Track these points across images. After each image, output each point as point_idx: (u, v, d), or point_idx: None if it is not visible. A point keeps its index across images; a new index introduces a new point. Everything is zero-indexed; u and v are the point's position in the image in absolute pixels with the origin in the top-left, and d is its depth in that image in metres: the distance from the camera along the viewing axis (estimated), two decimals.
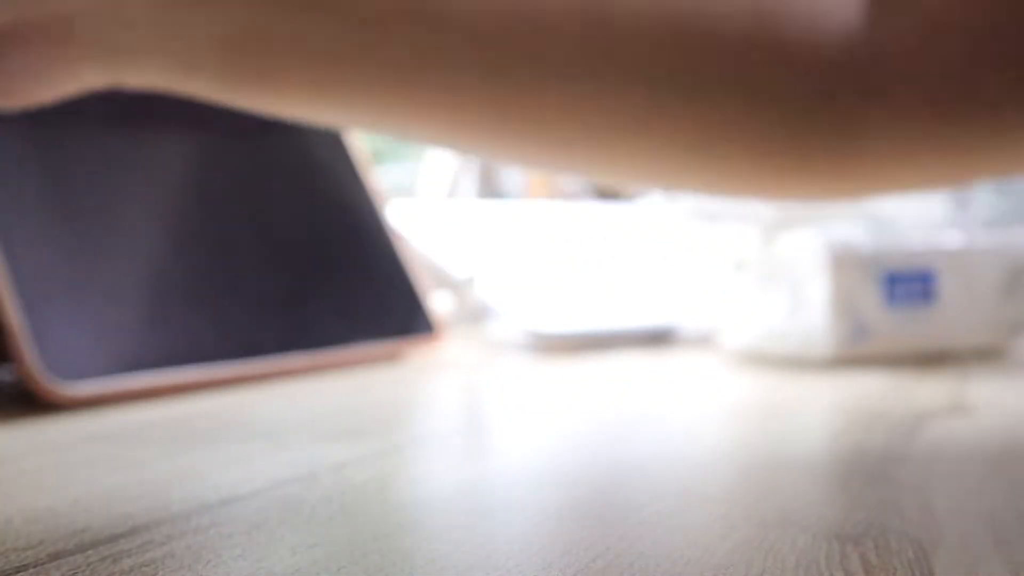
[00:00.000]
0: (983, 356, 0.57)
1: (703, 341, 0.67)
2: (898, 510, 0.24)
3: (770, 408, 0.40)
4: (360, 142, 0.65)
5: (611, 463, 0.30)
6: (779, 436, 0.34)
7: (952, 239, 0.57)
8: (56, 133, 0.46)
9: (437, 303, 0.70)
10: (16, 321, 0.39)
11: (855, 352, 0.54)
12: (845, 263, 0.53)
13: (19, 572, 0.20)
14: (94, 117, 0.48)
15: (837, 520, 0.24)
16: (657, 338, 0.68)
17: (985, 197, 0.68)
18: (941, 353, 0.56)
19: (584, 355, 0.60)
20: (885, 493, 0.26)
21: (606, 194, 1.38)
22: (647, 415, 0.39)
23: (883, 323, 0.54)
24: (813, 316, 0.54)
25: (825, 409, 0.40)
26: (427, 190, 1.25)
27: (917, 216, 0.58)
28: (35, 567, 0.20)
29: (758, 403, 0.42)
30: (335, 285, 0.56)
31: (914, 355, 0.55)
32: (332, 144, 0.63)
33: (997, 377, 0.48)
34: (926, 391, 0.44)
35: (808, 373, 0.51)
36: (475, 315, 0.80)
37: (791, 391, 0.45)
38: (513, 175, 1.36)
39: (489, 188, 1.31)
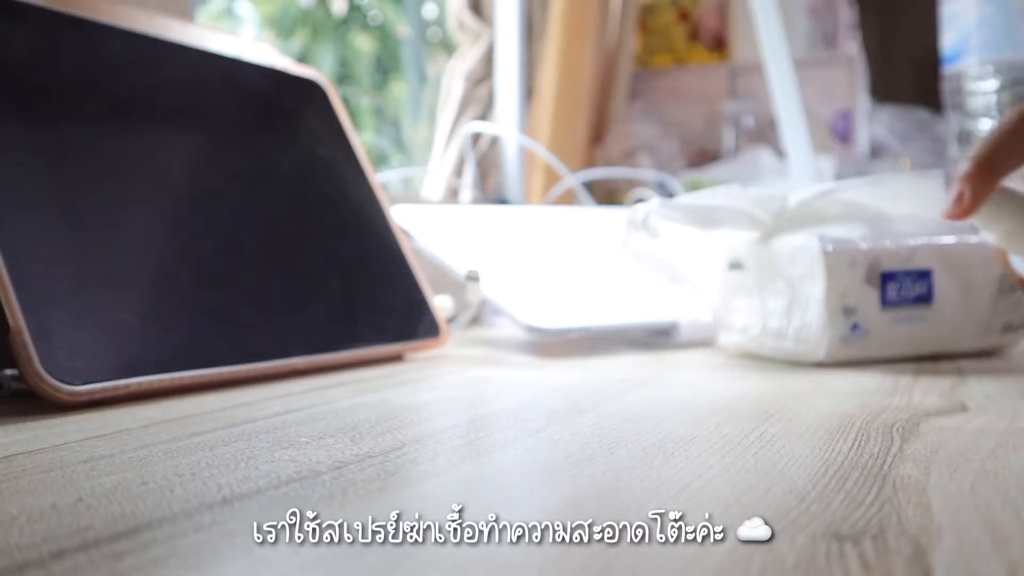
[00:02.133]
0: (979, 356, 0.57)
1: (702, 339, 0.67)
2: (896, 509, 0.25)
3: (768, 407, 0.40)
4: (364, 145, 0.65)
5: (610, 462, 0.30)
6: (777, 435, 0.34)
7: (948, 239, 0.56)
8: (56, 133, 0.46)
9: (440, 304, 0.70)
10: (19, 322, 0.39)
11: (851, 352, 0.54)
12: (840, 263, 0.53)
13: (22, 569, 0.20)
14: (94, 117, 0.48)
15: (835, 519, 0.24)
16: (656, 336, 0.68)
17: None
18: (938, 353, 0.56)
19: (583, 354, 0.60)
20: (883, 493, 0.26)
21: (603, 200, 1.38)
22: (646, 414, 0.39)
23: (879, 323, 0.54)
24: (809, 316, 0.54)
25: (823, 409, 0.40)
26: (430, 193, 1.25)
27: (915, 218, 0.58)
28: (38, 565, 0.21)
29: (756, 402, 0.42)
30: (339, 287, 0.56)
31: (911, 356, 0.56)
32: (336, 147, 0.63)
33: (993, 377, 0.48)
34: (923, 391, 0.44)
35: (806, 372, 0.51)
36: (476, 315, 0.81)
37: (789, 391, 0.45)
38: (512, 179, 1.36)
39: (489, 192, 1.31)
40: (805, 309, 0.54)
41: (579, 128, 1.52)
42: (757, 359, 0.58)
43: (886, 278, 0.54)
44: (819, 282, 0.53)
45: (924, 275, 0.55)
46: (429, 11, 1.77)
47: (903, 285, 0.54)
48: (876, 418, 0.38)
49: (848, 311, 0.53)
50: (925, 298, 0.55)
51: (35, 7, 0.47)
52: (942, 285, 0.55)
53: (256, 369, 0.48)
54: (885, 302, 0.54)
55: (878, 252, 0.54)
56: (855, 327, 0.53)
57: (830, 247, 0.53)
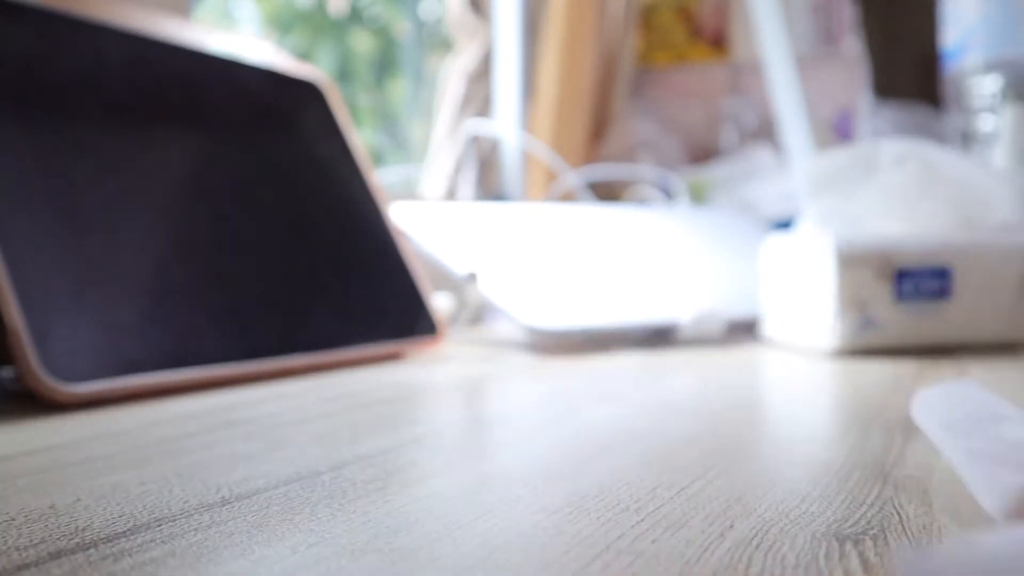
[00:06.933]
0: (999, 351, 0.60)
1: (703, 338, 0.67)
2: (897, 509, 0.24)
3: (769, 408, 0.40)
4: (363, 143, 0.65)
5: (610, 462, 0.30)
6: (778, 435, 0.34)
7: (969, 238, 0.60)
8: (56, 133, 0.46)
9: (439, 303, 0.70)
10: (17, 321, 0.39)
11: (864, 342, 0.58)
12: (852, 261, 0.58)
13: (21, 570, 0.20)
14: (94, 117, 0.48)
15: (836, 519, 0.24)
16: (657, 336, 0.68)
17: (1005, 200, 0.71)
18: (958, 344, 0.60)
19: (584, 354, 0.60)
20: (884, 492, 0.26)
21: (604, 197, 1.38)
22: (646, 414, 0.39)
23: (894, 316, 0.58)
24: (823, 309, 0.59)
25: (824, 409, 0.40)
26: (428, 191, 1.25)
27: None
28: (36, 565, 0.21)
29: (757, 403, 0.42)
30: (337, 286, 0.56)
31: (930, 345, 0.59)
32: (334, 146, 0.63)
33: (994, 377, 0.48)
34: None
35: (807, 372, 0.51)
36: (476, 314, 0.80)
37: (790, 391, 0.45)
38: (512, 177, 1.36)
39: (488, 190, 1.31)
40: (820, 303, 0.59)
41: (579, 126, 1.52)
42: (778, 353, 0.60)
43: (902, 275, 0.58)
44: (831, 278, 0.58)
45: (942, 272, 0.59)
46: (428, 10, 1.77)
47: (920, 281, 0.58)
48: (877, 418, 0.37)
49: (861, 304, 0.58)
50: (943, 292, 0.59)
51: (35, 7, 0.47)
52: (963, 281, 0.59)
53: (255, 368, 0.48)
54: (900, 296, 0.58)
55: (893, 250, 0.58)
56: (868, 319, 0.58)
57: (844, 245, 0.58)
